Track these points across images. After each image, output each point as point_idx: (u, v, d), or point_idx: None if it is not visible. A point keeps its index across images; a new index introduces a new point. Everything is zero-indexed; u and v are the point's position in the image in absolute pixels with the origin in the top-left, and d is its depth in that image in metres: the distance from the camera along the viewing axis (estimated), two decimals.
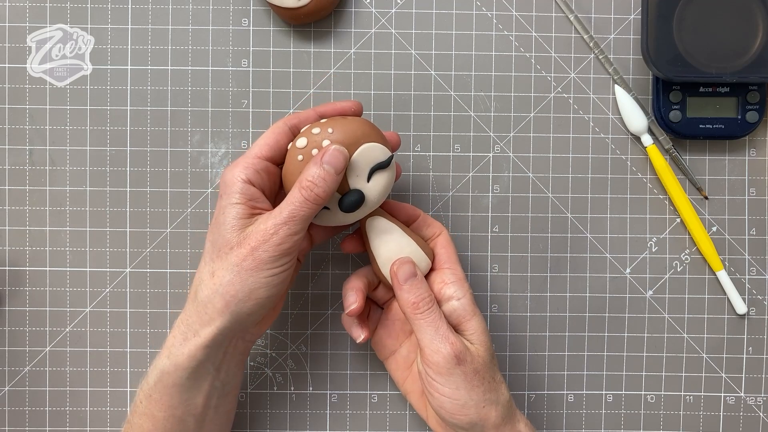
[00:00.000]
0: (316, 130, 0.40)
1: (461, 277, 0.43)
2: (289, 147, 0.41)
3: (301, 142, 0.40)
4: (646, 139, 0.48)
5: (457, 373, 0.40)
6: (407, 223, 0.44)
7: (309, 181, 0.39)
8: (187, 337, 0.40)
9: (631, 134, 0.49)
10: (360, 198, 0.40)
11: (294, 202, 0.39)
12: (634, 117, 0.48)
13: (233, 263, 0.39)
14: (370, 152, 0.40)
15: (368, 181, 0.40)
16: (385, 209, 0.44)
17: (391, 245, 0.42)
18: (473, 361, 0.40)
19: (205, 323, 0.39)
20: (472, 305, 0.42)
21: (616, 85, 0.49)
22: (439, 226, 0.44)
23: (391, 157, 0.41)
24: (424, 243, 0.43)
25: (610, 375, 0.50)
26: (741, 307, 0.49)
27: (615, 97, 0.49)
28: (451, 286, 0.42)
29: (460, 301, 0.41)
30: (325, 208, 0.41)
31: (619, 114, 0.49)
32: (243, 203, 0.40)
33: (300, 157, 0.40)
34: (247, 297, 0.39)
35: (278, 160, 0.42)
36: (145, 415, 0.41)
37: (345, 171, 0.40)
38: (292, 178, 0.40)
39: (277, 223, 0.39)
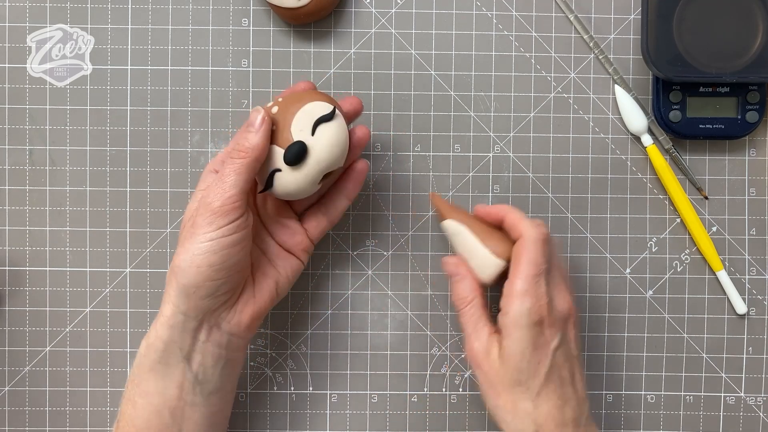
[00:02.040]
0: (269, 104, 0.42)
1: (512, 291, 0.40)
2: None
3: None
4: (646, 139, 0.48)
5: (478, 373, 0.42)
6: (498, 225, 0.44)
7: (237, 143, 0.40)
8: (156, 318, 0.40)
9: (631, 134, 0.49)
10: (302, 148, 0.40)
11: (235, 169, 0.39)
12: (634, 117, 0.48)
13: (182, 238, 0.40)
14: (314, 108, 0.41)
15: (312, 134, 0.40)
16: (476, 213, 0.45)
17: (461, 248, 0.44)
18: (490, 368, 0.41)
19: (164, 301, 0.40)
20: (510, 323, 0.40)
21: (616, 85, 0.49)
22: (520, 230, 0.42)
23: (334, 110, 0.41)
24: (502, 244, 0.43)
25: (610, 375, 0.50)
26: (741, 307, 0.49)
27: (615, 97, 0.49)
28: (503, 298, 0.41)
29: (504, 317, 0.41)
30: (277, 170, 0.41)
31: (619, 114, 0.49)
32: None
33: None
34: (188, 265, 0.39)
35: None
36: (129, 401, 0.41)
37: (283, 128, 0.40)
38: None
39: (209, 185, 0.40)
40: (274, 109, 0.41)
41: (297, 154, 0.40)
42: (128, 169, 0.49)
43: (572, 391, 0.41)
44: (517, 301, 0.40)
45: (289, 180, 0.41)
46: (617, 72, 0.49)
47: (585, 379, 0.42)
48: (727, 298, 0.49)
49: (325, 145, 0.41)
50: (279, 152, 0.40)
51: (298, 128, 0.40)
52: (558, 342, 0.40)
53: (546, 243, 0.41)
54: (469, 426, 0.50)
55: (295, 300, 0.49)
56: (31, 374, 0.49)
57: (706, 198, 0.49)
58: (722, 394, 0.50)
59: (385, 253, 0.49)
